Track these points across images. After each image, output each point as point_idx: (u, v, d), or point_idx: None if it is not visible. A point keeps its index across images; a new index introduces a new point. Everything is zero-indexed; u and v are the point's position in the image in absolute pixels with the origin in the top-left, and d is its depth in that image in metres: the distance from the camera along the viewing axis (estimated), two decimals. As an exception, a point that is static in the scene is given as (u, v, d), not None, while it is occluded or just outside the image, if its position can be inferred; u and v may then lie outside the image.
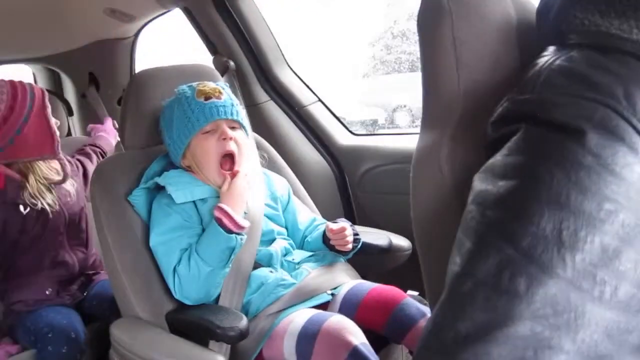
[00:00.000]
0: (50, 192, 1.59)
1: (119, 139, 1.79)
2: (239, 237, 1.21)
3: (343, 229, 1.34)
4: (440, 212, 0.69)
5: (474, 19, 0.72)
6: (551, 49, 0.58)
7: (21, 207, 1.54)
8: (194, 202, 1.29)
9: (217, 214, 1.22)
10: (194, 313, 1.22)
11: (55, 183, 1.59)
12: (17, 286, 1.56)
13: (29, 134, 1.46)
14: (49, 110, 1.50)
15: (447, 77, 0.72)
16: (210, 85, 1.35)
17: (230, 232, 1.20)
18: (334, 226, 1.35)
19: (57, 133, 1.50)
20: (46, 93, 1.52)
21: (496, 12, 0.75)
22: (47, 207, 1.56)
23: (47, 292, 1.58)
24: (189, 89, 1.33)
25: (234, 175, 1.28)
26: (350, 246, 1.36)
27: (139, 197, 1.31)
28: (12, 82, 1.48)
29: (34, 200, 1.54)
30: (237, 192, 1.26)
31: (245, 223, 1.23)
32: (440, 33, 0.72)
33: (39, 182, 1.57)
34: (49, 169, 1.60)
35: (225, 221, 1.20)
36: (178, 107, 1.31)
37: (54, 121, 1.50)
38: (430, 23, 0.74)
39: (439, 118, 0.74)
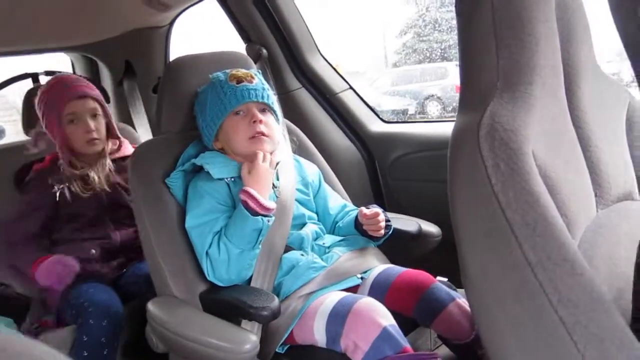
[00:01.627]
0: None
1: None
2: (265, 218, 1.23)
3: (376, 214, 1.35)
4: (478, 192, 0.70)
5: (514, 0, 0.72)
6: None
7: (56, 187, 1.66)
8: (227, 183, 1.32)
9: (242, 196, 1.24)
10: (227, 293, 1.25)
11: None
12: (63, 252, 1.64)
13: None
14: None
15: (487, 58, 0.73)
16: (242, 70, 1.39)
17: (256, 214, 1.22)
18: (367, 211, 1.37)
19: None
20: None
21: None
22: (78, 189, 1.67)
23: (92, 252, 1.66)
24: (223, 74, 1.37)
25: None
26: (382, 232, 1.37)
27: (176, 180, 1.35)
28: None
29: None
30: (261, 175, 1.28)
31: (271, 205, 1.25)
32: (480, 13, 0.72)
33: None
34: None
35: (251, 203, 1.22)
36: (212, 91, 1.35)
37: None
38: (470, 3, 0.74)
39: (477, 98, 0.74)
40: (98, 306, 1.50)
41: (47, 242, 1.71)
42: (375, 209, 1.39)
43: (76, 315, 1.52)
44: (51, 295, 1.65)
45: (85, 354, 1.45)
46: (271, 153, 1.35)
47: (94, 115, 1.70)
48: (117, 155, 1.80)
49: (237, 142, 1.35)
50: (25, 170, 1.80)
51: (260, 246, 1.27)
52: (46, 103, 1.70)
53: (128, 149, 1.82)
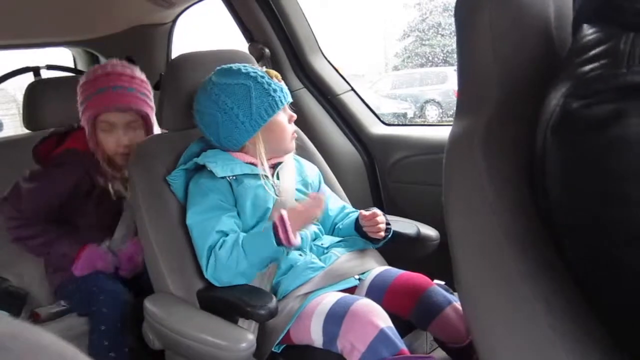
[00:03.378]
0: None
1: None
2: (286, 250, 1.24)
3: (375, 215, 1.36)
4: (473, 197, 0.71)
5: (511, 9, 0.73)
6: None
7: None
8: (229, 182, 1.32)
9: (276, 220, 1.24)
10: (224, 291, 1.25)
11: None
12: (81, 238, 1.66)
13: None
14: None
15: (484, 65, 0.74)
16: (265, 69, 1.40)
17: (280, 243, 1.22)
18: (366, 213, 1.38)
19: None
20: None
21: (534, 2, 0.75)
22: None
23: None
24: (255, 70, 1.36)
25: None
26: (382, 233, 1.37)
27: (177, 178, 1.35)
28: None
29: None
30: (306, 214, 1.27)
31: (296, 241, 1.23)
32: (477, 22, 0.73)
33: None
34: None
35: (280, 231, 1.22)
36: (256, 85, 1.32)
37: None
38: (468, 12, 0.75)
39: (474, 105, 0.75)
40: (109, 294, 1.53)
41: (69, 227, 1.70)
42: (375, 210, 1.39)
43: (86, 302, 1.55)
44: (57, 276, 1.68)
45: (106, 343, 1.49)
46: None
47: (132, 127, 1.62)
48: None
49: (283, 138, 1.38)
50: (48, 144, 1.73)
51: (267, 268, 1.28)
52: (86, 98, 1.62)
53: None
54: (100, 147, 1.62)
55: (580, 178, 0.56)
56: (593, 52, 0.57)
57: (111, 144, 1.61)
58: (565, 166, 0.58)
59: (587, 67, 0.57)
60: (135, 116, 1.62)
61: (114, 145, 1.61)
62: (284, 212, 1.24)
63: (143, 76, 1.69)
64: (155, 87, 2.45)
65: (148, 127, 1.66)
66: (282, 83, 1.38)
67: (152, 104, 1.67)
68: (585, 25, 0.62)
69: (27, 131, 2.11)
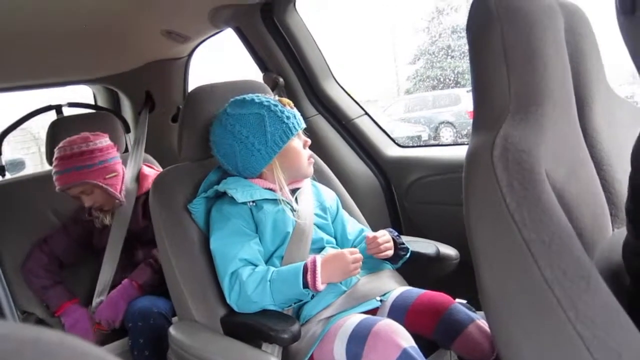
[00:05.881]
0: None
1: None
2: (310, 293, 1.25)
3: (375, 238, 1.37)
4: (494, 211, 0.71)
5: (522, 24, 0.75)
6: None
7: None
8: (250, 208, 1.35)
9: (308, 263, 1.25)
10: (248, 316, 1.26)
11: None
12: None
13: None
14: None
15: (498, 81, 0.75)
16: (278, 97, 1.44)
17: (305, 285, 1.23)
18: (368, 233, 1.39)
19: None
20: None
21: (544, 16, 0.77)
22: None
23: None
24: (268, 99, 1.41)
25: None
26: (389, 252, 1.38)
27: (198, 206, 1.38)
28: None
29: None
30: (341, 268, 1.26)
31: (321, 287, 1.24)
32: (489, 39, 0.75)
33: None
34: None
35: (309, 276, 1.23)
36: (270, 114, 1.36)
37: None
38: (480, 29, 0.77)
39: (490, 119, 0.76)
40: (141, 309, 1.67)
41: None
42: (383, 232, 1.40)
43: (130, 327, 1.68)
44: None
45: (147, 353, 1.63)
46: None
47: (85, 193, 1.84)
48: (147, 188, 1.92)
49: (300, 163, 1.41)
50: None
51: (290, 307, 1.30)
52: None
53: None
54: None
55: None
56: None
57: (85, 205, 1.87)
58: None
59: None
60: (79, 187, 1.82)
61: (86, 206, 1.86)
62: (318, 258, 1.26)
63: (100, 143, 1.89)
64: (174, 119, 2.52)
65: (102, 188, 1.84)
66: (295, 110, 1.42)
67: (105, 162, 1.87)
68: None
69: (47, 168, 2.18)
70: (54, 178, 1.82)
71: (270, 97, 1.42)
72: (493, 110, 0.77)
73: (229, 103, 1.42)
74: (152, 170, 2.04)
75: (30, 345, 0.24)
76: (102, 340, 1.77)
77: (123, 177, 1.92)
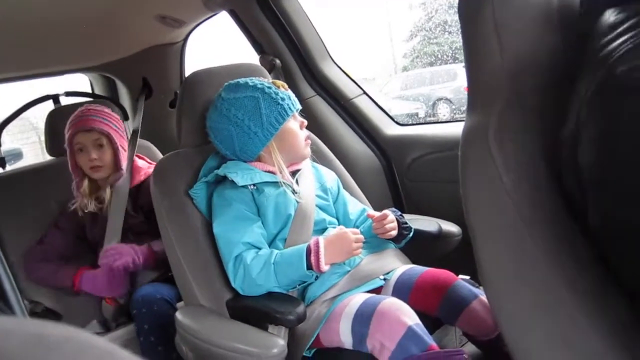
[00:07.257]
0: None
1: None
2: (314, 274, 1.25)
3: (383, 217, 1.37)
4: (490, 188, 0.72)
5: (514, 2, 0.74)
6: None
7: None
8: (251, 192, 1.35)
9: (311, 245, 1.26)
10: (253, 300, 1.27)
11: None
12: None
13: None
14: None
15: (491, 60, 0.75)
16: (272, 79, 1.44)
17: (309, 267, 1.24)
18: (374, 213, 1.40)
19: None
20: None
21: None
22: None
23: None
24: (262, 81, 1.40)
25: None
26: (394, 233, 1.38)
27: (199, 191, 1.38)
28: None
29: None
30: (344, 249, 1.27)
31: (325, 268, 1.25)
32: (482, 18, 0.74)
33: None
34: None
35: (312, 257, 1.24)
36: (263, 96, 1.37)
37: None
38: (472, 8, 0.76)
39: (485, 99, 0.76)
40: (144, 295, 1.67)
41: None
42: (387, 211, 1.41)
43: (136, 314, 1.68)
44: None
45: (152, 339, 1.64)
46: None
47: (99, 146, 1.87)
48: (138, 181, 1.92)
49: (298, 144, 1.41)
50: None
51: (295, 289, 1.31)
52: (66, 131, 1.90)
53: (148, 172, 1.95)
54: (78, 167, 1.89)
55: (621, 141, 0.57)
56: (630, 22, 0.58)
57: (84, 161, 1.87)
58: (605, 131, 0.59)
59: (627, 36, 0.58)
60: (98, 135, 1.86)
61: (87, 161, 1.86)
62: (321, 239, 1.26)
63: (113, 114, 1.98)
64: (171, 105, 2.51)
65: (114, 147, 1.89)
66: (289, 91, 1.42)
67: (119, 130, 1.94)
68: (609, 11, 0.64)
69: (49, 158, 2.18)
70: (74, 122, 1.87)
71: (264, 80, 1.41)
72: (487, 89, 0.77)
73: (223, 88, 1.42)
74: (145, 163, 2.03)
75: (35, 340, 0.24)
76: (116, 310, 1.81)
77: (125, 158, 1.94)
